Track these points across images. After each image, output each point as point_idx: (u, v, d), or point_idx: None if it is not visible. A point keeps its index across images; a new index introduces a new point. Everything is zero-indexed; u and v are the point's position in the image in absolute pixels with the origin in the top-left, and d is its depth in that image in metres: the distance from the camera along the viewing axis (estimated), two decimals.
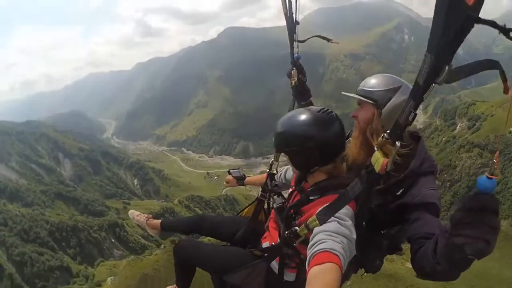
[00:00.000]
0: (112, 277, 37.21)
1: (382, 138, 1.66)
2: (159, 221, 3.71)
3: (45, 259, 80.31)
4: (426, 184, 2.03)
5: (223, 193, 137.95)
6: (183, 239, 3.41)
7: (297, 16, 2.87)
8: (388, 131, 1.64)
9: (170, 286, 3.47)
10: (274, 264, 2.37)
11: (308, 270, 1.51)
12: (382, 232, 2.17)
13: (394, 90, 2.12)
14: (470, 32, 1.10)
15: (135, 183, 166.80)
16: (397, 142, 1.59)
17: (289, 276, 2.33)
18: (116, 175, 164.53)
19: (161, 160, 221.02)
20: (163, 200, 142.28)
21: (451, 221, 1.39)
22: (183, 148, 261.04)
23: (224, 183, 3.99)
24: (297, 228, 2.02)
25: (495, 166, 1.33)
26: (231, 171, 3.90)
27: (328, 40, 3.02)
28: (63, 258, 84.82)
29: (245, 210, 3.46)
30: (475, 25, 1.10)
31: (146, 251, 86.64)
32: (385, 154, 1.66)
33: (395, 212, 2.03)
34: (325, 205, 1.88)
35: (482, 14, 1.08)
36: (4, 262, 78.05)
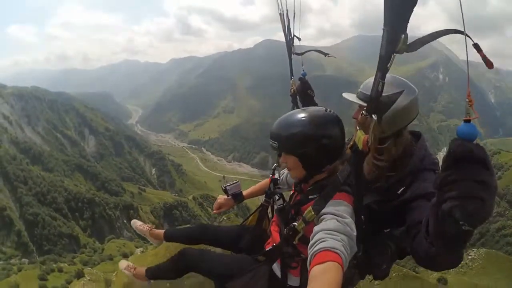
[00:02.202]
0: (141, 249, 35.75)
1: (361, 115, 1.68)
2: (162, 231, 3.51)
3: (57, 225, 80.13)
4: (426, 179, 1.95)
5: None
6: (188, 247, 3.08)
7: (293, 31, 3.02)
8: (365, 108, 1.69)
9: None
10: (276, 268, 2.35)
11: (310, 270, 1.49)
12: (385, 231, 2.11)
13: (397, 94, 2.02)
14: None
15: (153, 172, 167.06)
16: (373, 116, 1.64)
17: (293, 280, 2.29)
18: (136, 161, 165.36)
19: (180, 156, 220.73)
20: (176, 194, 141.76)
21: (434, 186, 1.31)
22: (203, 148, 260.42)
23: (214, 210, 3.33)
24: (295, 223, 2.01)
25: (468, 106, 1.24)
26: (227, 188, 3.19)
27: (325, 54, 3.08)
28: (74, 227, 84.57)
29: (250, 219, 3.24)
30: None
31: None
32: (366, 132, 1.71)
33: (397, 210, 1.98)
34: (320, 195, 1.93)
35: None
36: (15, 218, 78.15)
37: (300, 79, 3.05)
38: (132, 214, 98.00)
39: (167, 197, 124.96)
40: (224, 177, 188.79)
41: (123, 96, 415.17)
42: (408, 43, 1.36)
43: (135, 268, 3.37)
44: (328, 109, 2.16)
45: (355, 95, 2.24)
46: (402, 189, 1.98)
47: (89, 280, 36.10)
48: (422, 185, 1.92)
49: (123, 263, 3.52)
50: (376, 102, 1.60)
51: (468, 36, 1.21)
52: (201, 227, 3.40)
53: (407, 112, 2.01)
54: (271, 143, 2.18)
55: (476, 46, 1.21)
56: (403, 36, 1.33)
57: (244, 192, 3.26)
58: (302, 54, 3.06)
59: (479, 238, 64.41)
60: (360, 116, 1.69)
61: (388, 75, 2.02)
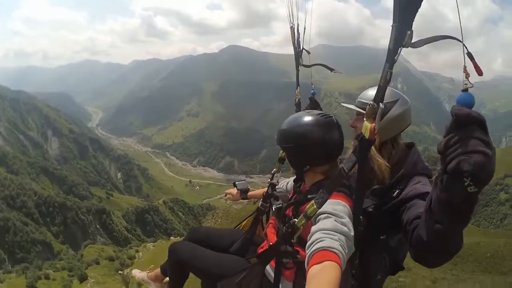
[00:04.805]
0: (140, 253, 34.79)
1: (369, 105, 1.75)
2: (158, 268, 3.47)
3: (29, 230, 75.79)
4: (420, 182, 2.03)
5: (203, 202, 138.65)
6: (179, 242, 3.15)
7: (302, 44, 3.13)
8: (373, 98, 1.76)
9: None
10: (270, 272, 2.28)
11: (307, 270, 1.50)
12: (381, 238, 2.13)
13: (392, 103, 2.17)
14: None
15: (118, 177, 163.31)
16: (380, 104, 1.72)
17: (286, 285, 2.21)
18: (101, 165, 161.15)
19: (144, 160, 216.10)
20: (143, 199, 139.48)
21: (438, 151, 1.35)
22: (167, 153, 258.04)
23: (224, 196, 3.84)
24: (295, 220, 1.98)
25: (465, 78, 1.33)
26: (236, 183, 3.63)
27: (331, 70, 3.13)
28: (46, 233, 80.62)
29: (243, 223, 3.35)
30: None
31: (129, 245, 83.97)
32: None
33: (392, 214, 2.00)
34: (322, 188, 1.93)
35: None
36: None
37: (310, 98, 3.12)
38: (104, 219, 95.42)
39: (134, 202, 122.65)
40: (190, 181, 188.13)
41: (83, 98, 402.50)
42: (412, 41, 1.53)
43: (150, 270, 3.51)
44: (324, 115, 2.26)
45: (353, 105, 2.35)
46: (396, 192, 2.04)
47: (93, 282, 34.84)
48: (416, 186, 1.97)
49: (136, 271, 3.78)
50: (383, 91, 1.72)
51: (465, 46, 1.34)
52: (192, 229, 3.41)
53: (400, 120, 2.17)
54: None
55: (469, 54, 1.33)
56: (409, 32, 1.50)
57: (250, 192, 3.54)
58: (309, 66, 3.13)
59: None
60: (368, 106, 1.76)
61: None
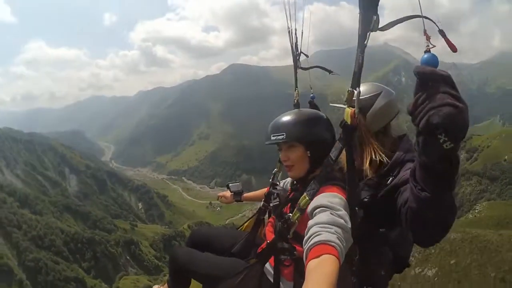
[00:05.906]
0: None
1: (348, 92, 1.81)
2: (166, 284, 3.21)
3: (61, 269, 74.63)
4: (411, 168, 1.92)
5: (227, 222, 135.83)
6: (179, 247, 3.12)
7: (300, 48, 3.13)
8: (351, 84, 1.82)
9: None
10: (270, 270, 2.29)
11: (306, 264, 1.49)
12: (380, 230, 2.13)
13: (376, 96, 2.29)
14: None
15: (139, 207, 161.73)
16: (357, 88, 1.77)
17: (286, 285, 2.20)
18: (121, 197, 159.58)
19: (161, 188, 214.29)
20: (166, 226, 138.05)
21: (408, 112, 1.34)
22: (183, 178, 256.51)
23: (218, 198, 3.77)
24: (290, 214, 2.02)
25: (426, 39, 1.34)
26: (230, 185, 3.68)
27: (329, 72, 3.15)
28: (78, 270, 79.32)
29: (245, 224, 3.37)
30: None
31: (162, 272, 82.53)
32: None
33: (387, 200, 1.98)
34: (313, 179, 2.00)
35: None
36: (14, 266, 72.08)
37: (309, 102, 3.05)
38: (134, 250, 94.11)
39: (160, 230, 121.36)
40: (211, 203, 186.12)
41: (93, 134, 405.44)
42: (380, 26, 1.61)
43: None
44: None
45: (342, 104, 2.31)
46: (390, 179, 2.04)
47: None
48: (407, 172, 1.86)
49: None
50: (359, 76, 1.76)
51: (429, 19, 1.37)
52: (193, 232, 3.23)
53: (385, 111, 2.27)
54: (274, 138, 2.31)
55: (441, 32, 1.33)
56: (374, 17, 1.58)
57: (245, 194, 3.55)
58: (307, 69, 3.11)
59: (468, 210, 67.47)
60: (347, 93, 1.82)
61: (369, 83, 2.42)
